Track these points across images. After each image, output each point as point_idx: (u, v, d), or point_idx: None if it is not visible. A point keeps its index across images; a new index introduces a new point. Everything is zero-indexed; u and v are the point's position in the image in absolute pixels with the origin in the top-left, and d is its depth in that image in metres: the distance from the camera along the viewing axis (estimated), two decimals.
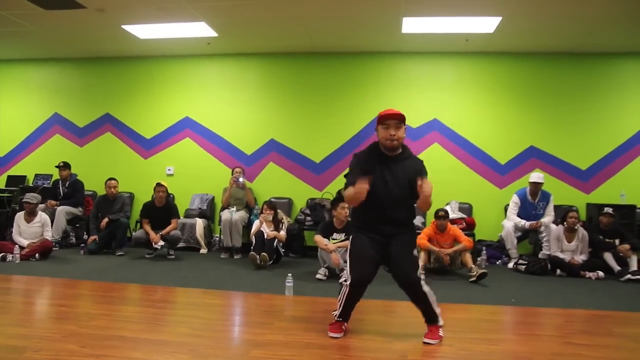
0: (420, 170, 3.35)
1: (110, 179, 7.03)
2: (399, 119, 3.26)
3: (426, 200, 3.18)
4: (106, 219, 6.82)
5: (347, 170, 3.43)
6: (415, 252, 3.43)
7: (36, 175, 8.14)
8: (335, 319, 3.51)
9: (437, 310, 3.44)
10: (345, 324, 3.54)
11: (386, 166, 3.31)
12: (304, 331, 3.62)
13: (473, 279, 5.51)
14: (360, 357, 3.10)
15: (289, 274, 4.80)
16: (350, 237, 3.52)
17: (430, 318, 3.44)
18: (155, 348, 3.17)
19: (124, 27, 6.69)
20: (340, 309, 3.47)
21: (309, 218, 7.14)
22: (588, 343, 3.51)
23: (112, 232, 6.84)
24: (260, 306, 4.42)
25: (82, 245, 6.90)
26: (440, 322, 3.45)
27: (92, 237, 6.78)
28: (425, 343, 3.33)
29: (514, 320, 4.36)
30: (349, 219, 3.87)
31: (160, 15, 6.25)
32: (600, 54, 7.18)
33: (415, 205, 3.40)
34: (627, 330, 3.91)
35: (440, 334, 3.41)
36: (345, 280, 3.41)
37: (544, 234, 6.48)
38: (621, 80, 7.21)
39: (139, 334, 3.45)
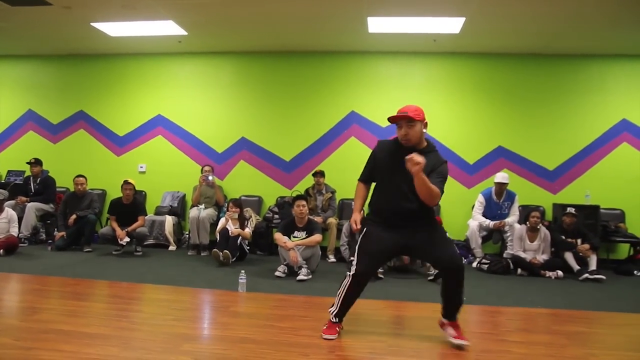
0: (434, 165, 3.21)
1: (78, 176, 7.06)
2: (406, 119, 3.18)
3: (419, 183, 3.05)
4: (74, 216, 6.84)
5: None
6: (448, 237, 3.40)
7: (9, 171, 8.16)
8: (331, 318, 3.47)
9: None
10: (340, 325, 3.49)
11: (404, 157, 3.11)
12: (242, 326, 3.66)
13: (431, 277, 5.55)
14: (288, 352, 3.13)
15: (242, 271, 4.84)
16: (364, 229, 3.38)
17: (455, 311, 3.39)
18: (88, 341, 3.20)
19: (93, 24, 6.71)
20: (339, 303, 3.42)
21: (276, 216, 7.18)
22: (520, 340, 3.56)
23: (80, 229, 6.86)
24: (208, 302, 4.47)
25: (50, 241, 6.92)
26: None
27: (60, 234, 6.81)
28: (457, 346, 3.27)
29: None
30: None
31: (127, 14, 6.29)
32: (565, 56, 7.24)
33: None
34: (565, 328, 3.95)
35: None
36: (349, 271, 3.36)
37: (508, 234, 6.54)
38: (587, 82, 7.26)
39: (76, 328, 3.48)
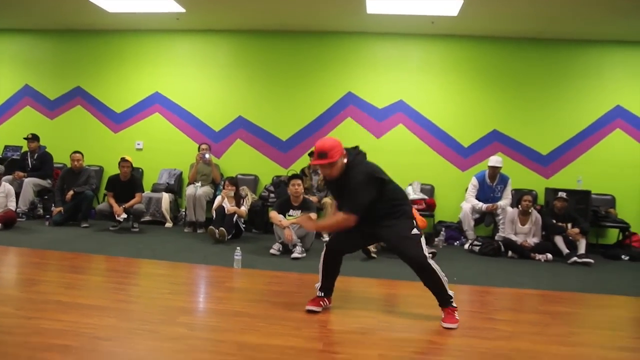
0: (350, 184, 3.32)
1: (75, 152, 7.10)
2: (320, 163, 3.28)
3: (326, 229, 3.40)
4: (71, 192, 6.90)
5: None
6: (413, 232, 3.43)
7: (5, 146, 8.18)
8: (317, 292, 3.60)
9: (450, 292, 3.43)
10: (325, 300, 3.60)
11: (337, 186, 3.45)
12: (237, 301, 3.77)
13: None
14: (281, 326, 3.22)
15: (238, 248, 4.93)
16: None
17: (443, 300, 3.42)
18: (86, 312, 3.29)
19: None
20: (320, 275, 3.60)
21: (272, 195, 7.25)
22: (508, 319, 3.67)
23: (77, 204, 6.93)
24: (204, 277, 4.56)
25: (48, 216, 6.99)
26: (454, 304, 3.43)
27: (57, 209, 6.88)
28: (445, 328, 3.33)
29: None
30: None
31: None
32: (563, 41, 7.27)
33: (389, 200, 3.43)
34: (551, 308, 4.07)
35: (456, 317, 3.38)
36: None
37: (500, 217, 6.64)
38: (583, 68, 7.31)
39: (75, 299, 3.57)
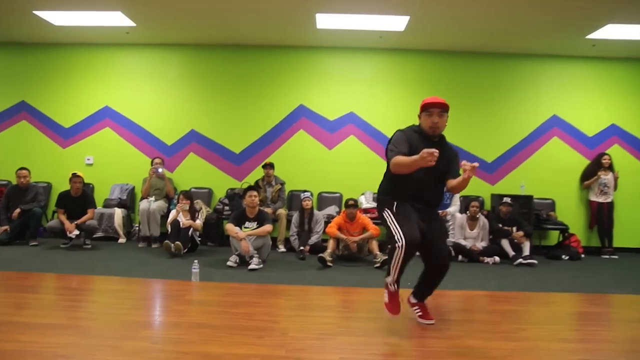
0: (454, 158, 3.48)
1: (21, 168, 6.91)
2: (442, 107, 3.38)
3: (465, 184, 3.31)
4: (18, 210, 6.69)
5: (389, 143, 3.45)
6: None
7: None
8: (391, 287, 3.47)
9: None
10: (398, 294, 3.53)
11: (428, 146, 3.14)
12: (197, 313, 3.80)
13: (377, 265, 5.83)
14: (243, 336, 3.28)
15: (195, 261, 4.94)
16: (394, 204, 3.41)
17: (426, 295, 3.68)
18: (45, 331, 3.24)
19: (37, 13, 6.54)
20: (397, 272, 3.37)
21: (227, 207, 7.27)
22: (460, 319, 3.87)
23: (24, 222, 6.72)
24: (162, 291, 4.55)
25: None
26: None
27: (3, 228, 6.65)
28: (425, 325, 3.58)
29: (403, 301, 4.68)
30: (379, 195, 3.61)
31: (73, 3, 6.18)
32: (502, 55, 7.68)
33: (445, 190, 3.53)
34: (500, 307, 4.31)
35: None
36: (397, 242, 3.26)
37: (449, 223, 6.91)
38: (521, 80, 7.75)
39: (32, 319, 3.50)
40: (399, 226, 3.31)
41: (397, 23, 6.57)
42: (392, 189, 3.50)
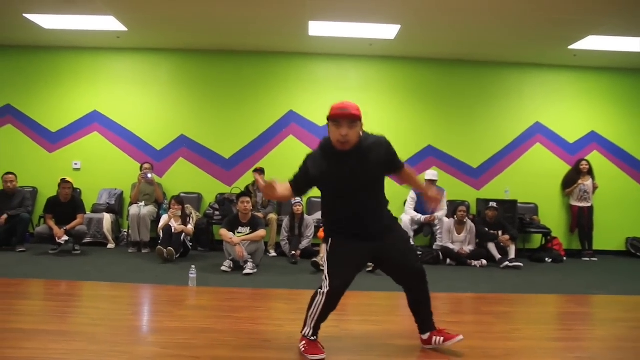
0: (384, 155, 2.96)
1: (8, 173, 6.83)
2: (352, 117, 2.80)
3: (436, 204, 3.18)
4: (5, 215, 6.60)
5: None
6: (412, 242, 3.27)
7: None
8: (309, 338, 3.10)
9: None
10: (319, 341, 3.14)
11: (344, 163, 2.88)
12: (201, 318, 3.84)
13: (369, 269, 5.92)
14: (250, 340, 3.34)
15: (192, 266, 4.97)
16: (329, 240, 3.06)
17: (429, 320, 3.24)
18: (51, 338, 3.25)
19: (27, 16, 6.47)
20: (314, 322, 3.06)
21: (217, 213, 7.29)
22: (455, 320, 3.98)
23: (11, 228, 6.63)
24: (161, 297, 4.57)
25: None
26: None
27: None
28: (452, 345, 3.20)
29: (397, 304, 4.75)
30: (322, 220, 3.27)
31: (66, 7, 6.15)
32: (487, 63, 7.90)
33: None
34: (492, 309, 4.46)
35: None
36: (319, 288, 3.04)
37: (437, 227, 7.06)
38: (506, 88, 7.99)
39: (35, 326, 3.50)
40: (328, 270, 3.00)
41: (388, 31, 6.71)
42: (325, 213, 3.14)
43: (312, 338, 3.10)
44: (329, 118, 2.86)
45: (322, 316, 3.06)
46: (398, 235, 3.16)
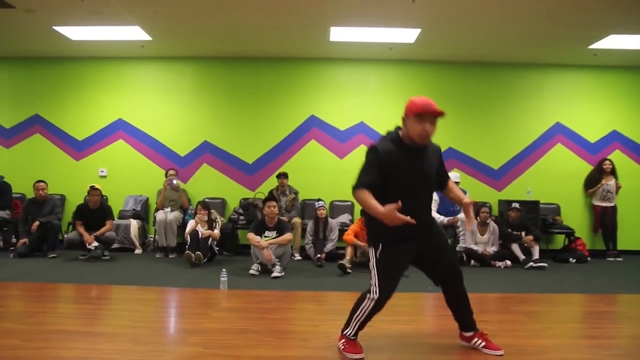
0: (438, 160, 3.19)
1: (39, 181, 7.00)
2: (439, 115, 2.95)
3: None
4: (37, 222, 6.77)
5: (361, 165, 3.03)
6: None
7: None
8: (349, 337, 3.18)
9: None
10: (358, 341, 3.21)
11: (417, 157, 3.00)
12: (238, 319, 3.93)
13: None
14: (289, 339, 3.43)
15: (223, 270, 5.07)
16: (378, 245, 3.07)
17: (470, 319, 3.31)
18: (96, 339, 3.36)
19: (55, 28, 6.66)
20: (358, 324, 3.15)
21: (242, 217, 7.40)
22: (487, 319, 4.00)
23: (43, 235, 6.79)
24: (195, 299, 4.67)
25: (12, 248, 6.79)
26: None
27: (22, 240, 6.70)
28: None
29: (429, 305, 4.85)
30: (366, 218, 3.24)
31: (93, 18, 6.31)
32: (506, 65, 7.94)
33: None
34: (521, 308, 4.50)
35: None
36: (368, 293, 3.09)
37: (460, 229, 7.09)
38: (526, 89, 8.00)
39: (78, 328, 3.63)
40: (378, 277, 3.05)
41: (408, 35, 6.78)
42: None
43: (353, 338, 3.18)
44: (414, 113, 2.93)
45: (368, 319, 3.15)
46: (440, 233, 3.33)
